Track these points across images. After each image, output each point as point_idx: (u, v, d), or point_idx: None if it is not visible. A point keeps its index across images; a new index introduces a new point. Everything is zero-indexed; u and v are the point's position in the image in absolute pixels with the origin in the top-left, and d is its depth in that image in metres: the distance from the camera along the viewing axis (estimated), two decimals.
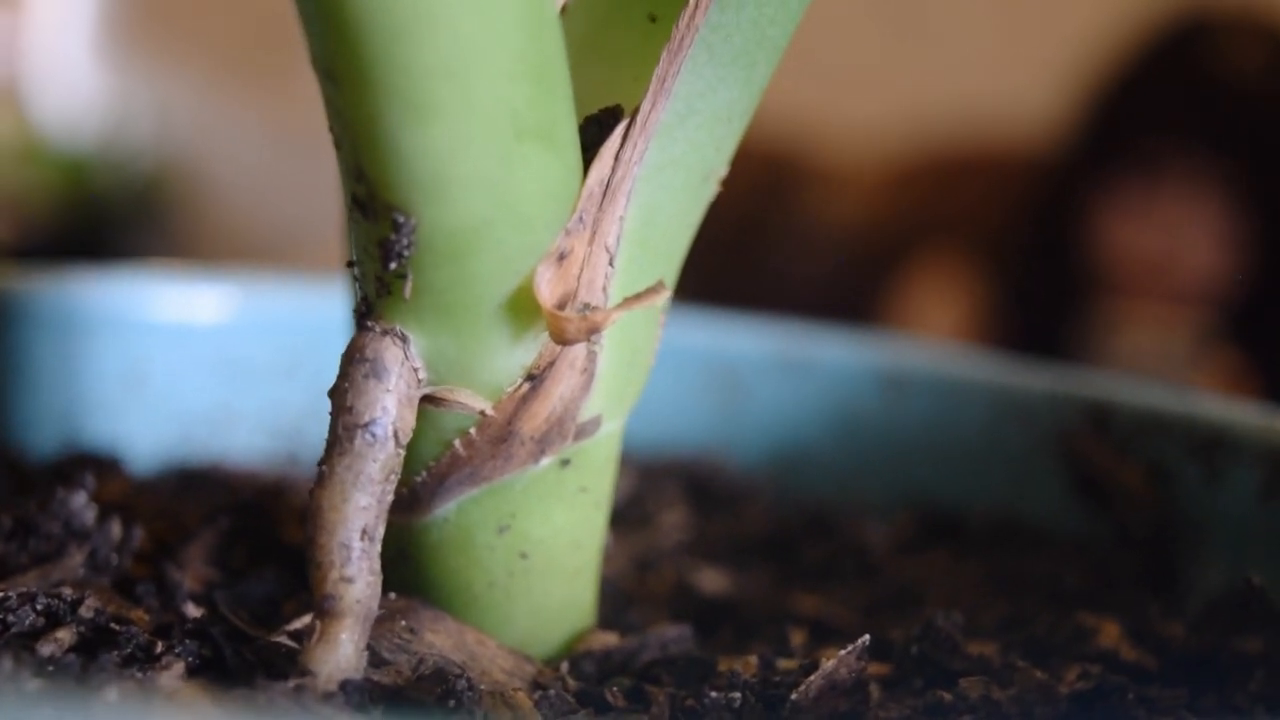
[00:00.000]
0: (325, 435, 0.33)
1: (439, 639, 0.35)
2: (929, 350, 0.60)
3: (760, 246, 2.17)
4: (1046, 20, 2.37)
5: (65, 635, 0.33)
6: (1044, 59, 1.95)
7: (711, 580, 0.46)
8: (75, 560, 0.37)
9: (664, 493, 0.54)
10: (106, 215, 3.36)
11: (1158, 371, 1.40)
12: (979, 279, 1.72)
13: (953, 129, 2.27)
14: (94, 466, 0.47)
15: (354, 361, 0.32)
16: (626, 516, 0.51)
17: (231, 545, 0.41)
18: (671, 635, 0.38)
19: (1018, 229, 1.70)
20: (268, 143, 3.36)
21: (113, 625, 0.34)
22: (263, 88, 3.24)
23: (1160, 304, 1.48)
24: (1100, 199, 1.52)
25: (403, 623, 0.35)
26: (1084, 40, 1.70)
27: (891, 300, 1.88)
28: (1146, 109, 1.54)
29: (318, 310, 0.56)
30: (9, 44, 3.87)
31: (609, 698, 0.34)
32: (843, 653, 0.35)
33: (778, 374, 0.58)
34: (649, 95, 0.33)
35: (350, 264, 0.33)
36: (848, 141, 2.34)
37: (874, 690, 0.36)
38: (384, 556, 0.33)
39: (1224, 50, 1.52)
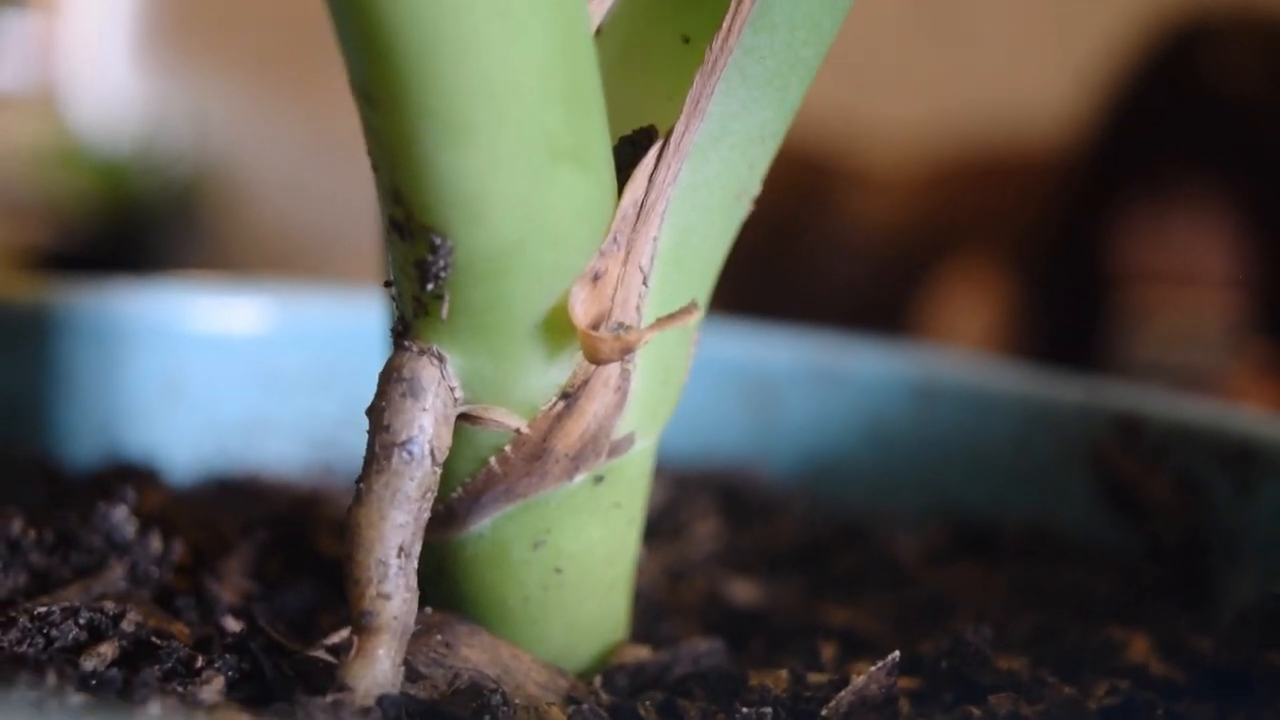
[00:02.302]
0: (361, 445, 0.33)
1: (474, 653, 0.35)
2: (960, 361, 0.60)
3: (793, 250, 2.17)
4: (1077, 24, 2.36)
5: (108, 649, 0.34)
6: (1074, 62, 1.94)
7: (743, 591, 0.47)
8: (116, 573, 0.38)
9: (697, 503, 0.54)
10: (143, 220, 3.38)
11: (1188, 361, 1.40)
12: (1009, 281, 1.72)
13: (984, 132, 2.27)
14: (133, 478, 0.48)
15: (391, 381, 0.33)
16: (660, 527, 0.51)
17: (268, 557, 0.41)
18: (703, 649, 0.39)
19: (1044, 232, 1.70)
20: (303, 148, 3.37)
21: (153, 639, 0.35)
22: (299, 94, 3.26)
23: (1189, 291, 1.47)
24: (1112, 218, 1.51)
25: (438, 637, 0.35)
26: (1113, 44, 1.70)
27: (923, 304, 1.88)
28: (1148, 127, 1.53)
29: (353, 321, 0.57)
30: (47, 50, 3.89)
31: (641, 712, 0.35)
32: (873, 669, 0.35)
33: (810, 385, 0.59)
34: (683, 116, 0.33)
35: (388, 284, 0.34)
36: (880, 145, 2.35)
37: (904, 705, 0.36)
38: (421, 572, 0.33)
39: (1220, 57, 1.51)
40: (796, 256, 2.18)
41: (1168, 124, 1.52)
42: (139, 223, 3.34)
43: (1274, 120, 1.51)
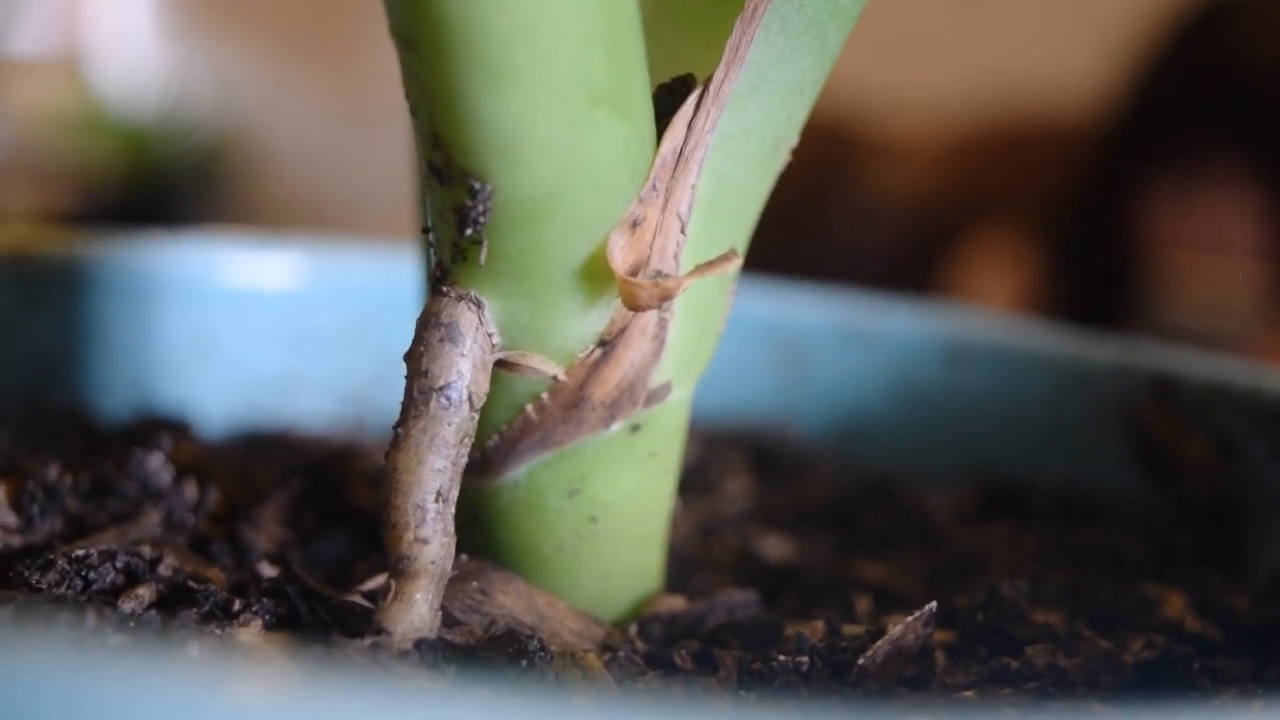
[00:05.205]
0: (393, 402, 0.33)
1: (510, 600, 0.35)
2: (992, 321, 0.60)
3: (818, 220, 2.16)
4: None
5: (145, 592, 0.34)
6: (1100, 31, 1.93)
7: (775, 547, 0.47)
8: (152, 519, 0.38)
9: (728, 460, 0.54)
10: (167, 184, 3.38)
11: (1219, 328, 1.39)
12: (1034, 251, 1.71)
13: (1009, 102, 2.26)
14: (167, 429, 0.48)
15: (430, 326, 0.33)
16: (691, 483, 0.51)
17: (303, 507, 0.41)
18: (738, 600, 0.39)
19: (1070, 202, 1.69)
20: (327, 113, 3.37)
21: (190, 583, 0.35)
22: (323, 58, 3.25)
23: (1217, 262, 1.47)
24: (1139, 188, 1.51)
25: (474, 584, 0.35)
26: (1140, 14, 1.69)
27: (949, 272, 1.87)
28: (1174, 97, 1.52)
29: (385, 278, 0.57)
30: (71, 14, 3.89)
31: (677, 660, 0.35)
32: (910, 619, 0.35)
33: (841, 344, 0.58)
34: (722, 64, 0.33)
35: (425, 230, 0.34)
36: (905, 114, 2.33)
37: (940, 657, 0.36)
38: (456, 519, 0.33)
39: (1247, 28, 1.50)
40: (822, 226, 2.17)
41: (1195, 95, 1.52)
42: (163, 187, 3.33)
43: None
